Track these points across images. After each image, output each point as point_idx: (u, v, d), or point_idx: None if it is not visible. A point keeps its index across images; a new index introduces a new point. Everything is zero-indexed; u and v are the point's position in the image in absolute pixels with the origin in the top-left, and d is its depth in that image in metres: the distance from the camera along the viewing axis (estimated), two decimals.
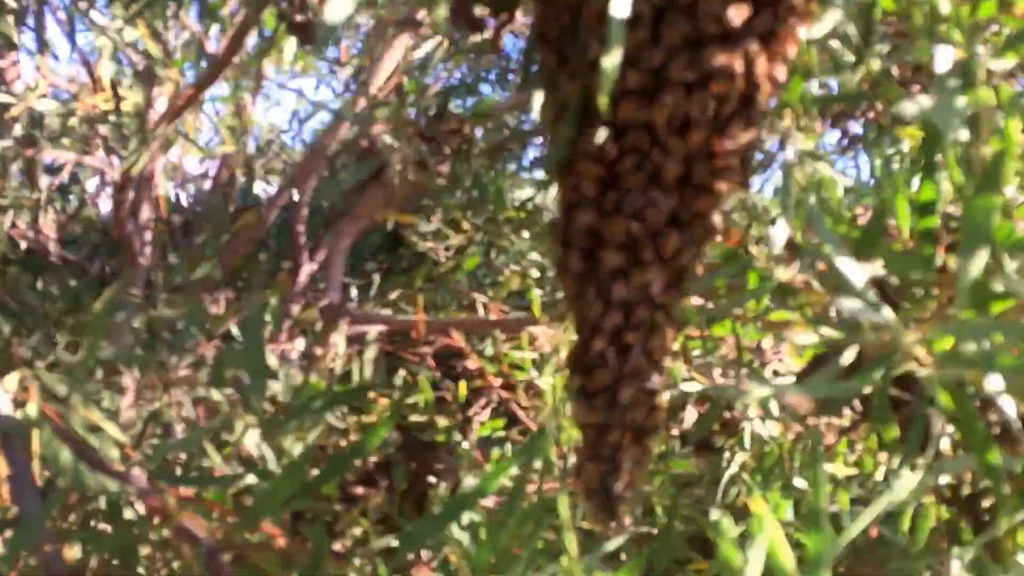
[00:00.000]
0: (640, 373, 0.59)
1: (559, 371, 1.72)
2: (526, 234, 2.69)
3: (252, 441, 0.83)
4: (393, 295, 2.42)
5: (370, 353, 1.03)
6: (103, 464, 0.67)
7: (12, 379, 0.83)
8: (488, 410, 1.77)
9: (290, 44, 1.78)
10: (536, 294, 1.51)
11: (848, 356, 0.60)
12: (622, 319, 0.60)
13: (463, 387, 1.61)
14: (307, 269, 2.27)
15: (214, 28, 1.47)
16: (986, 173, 0.51)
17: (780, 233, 0.62)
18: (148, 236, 2.23)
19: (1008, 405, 0.53)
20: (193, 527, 0.64)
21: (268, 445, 0.82)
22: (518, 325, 1.56)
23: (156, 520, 0.67)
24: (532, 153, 2.71)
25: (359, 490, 0.98)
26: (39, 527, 0.64)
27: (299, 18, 0.92)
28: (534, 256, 2.66)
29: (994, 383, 0.53)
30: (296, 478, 0.50)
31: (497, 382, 1.82)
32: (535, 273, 2.62)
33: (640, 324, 0.58)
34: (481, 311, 1.76)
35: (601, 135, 0.56)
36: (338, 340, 1.33)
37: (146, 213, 2.21)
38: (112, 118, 1.93)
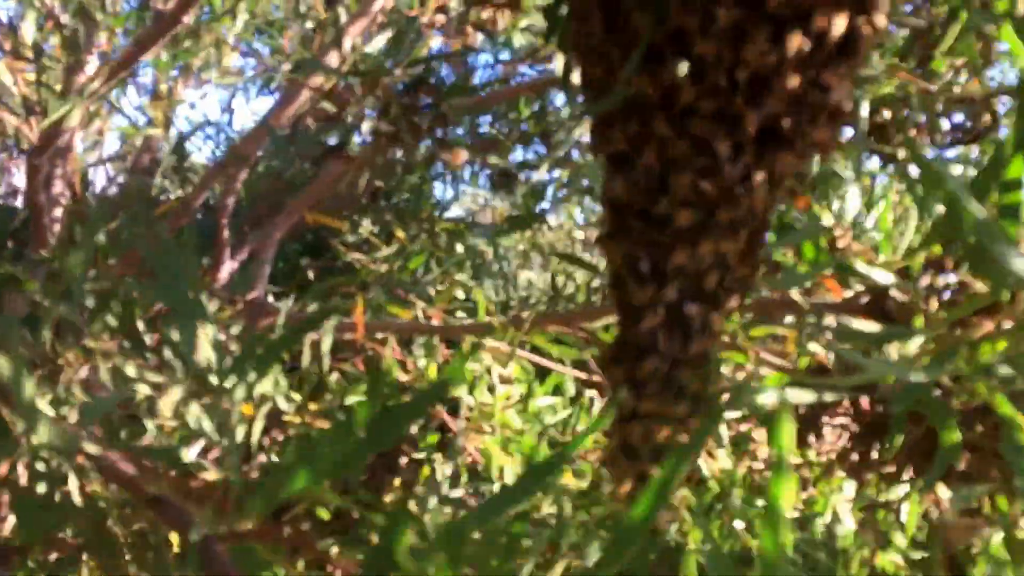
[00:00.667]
0: (700, 357, 0.51)
1: (499, 386, 1.64)
2: (460, 248, 2.61)
3: (193, 414, 0.72)
4: (316, 303, 2.30)
5: (327, 337, 0.93)
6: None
7: None
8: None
9: (241, 15, 1.67)
10: (483, 297, 1.42)
11: (913, 346, 0.54)
12: (678, 294, 0.51)
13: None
14: (228, 267, 2.13)
15: None
16: None
17: (854, 198, 0.55)
18: (57, 212, 2.07)
19: None
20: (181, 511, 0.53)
21: (210, 418, 0.71)
22: (464, 331, 1.47)
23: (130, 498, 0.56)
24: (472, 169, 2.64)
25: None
26: None
27: None
28: (463, 276, 2.58)
29: None
30: (315, 463, 0.39)
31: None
32: (460, 294, 2.54)
33: (706, 298, 0.50)
34: (421, 316, 1.66)
35: (682, 69, 0.48)
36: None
37: (58, 187, 2.05)
38: (27, 90, 1.78)
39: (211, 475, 0.70)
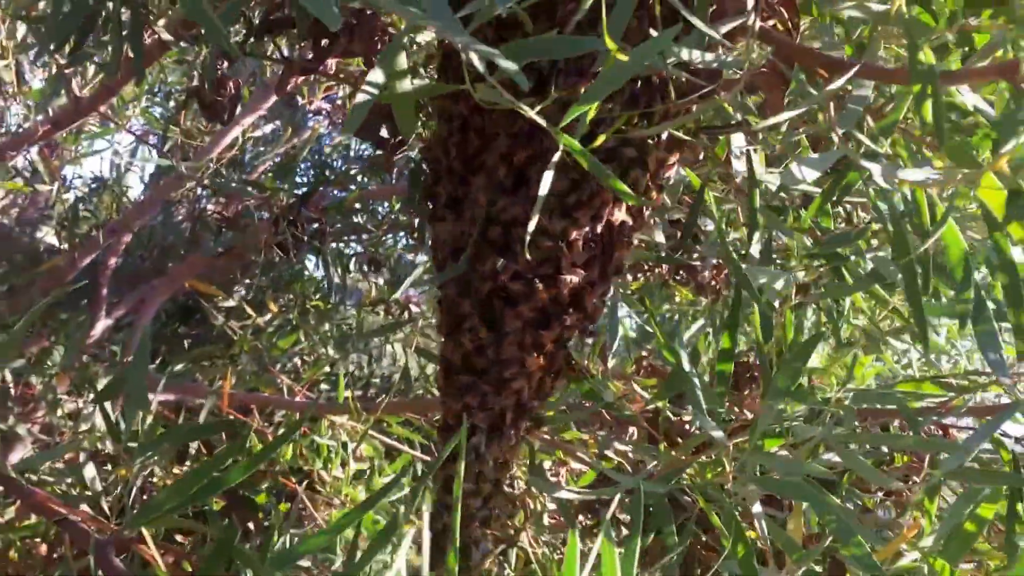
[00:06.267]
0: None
1: (352, 463, 1.79)
2: (327, 326, 2.76)
3: (89, 474, 0.88)
4: (181, 366, 2.40)
5: (208, 404, 1.09)
6: None
7: None
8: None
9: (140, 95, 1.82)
10: (345, 375, 1.59)
11: (651, 467, 0.74)
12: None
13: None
14: (103, 324, 2.22)
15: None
16: (800, 346, 0.66)
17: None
18: None
19: (762, 524, 0.68)
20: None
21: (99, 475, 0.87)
22: (322, 410, 1.62)
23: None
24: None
25: (179, 537, 1.01)
26: None
27: (213, 97, 1.00)
28: (329, 350, 2.72)
29: (756, 506, 0.68)
30: (181, 493, 0.57)
31: (278, 467, 1.86)
32: (327, 368, 2.68)
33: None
34: (285, 392, 1.81)
35: (499, 263, 0.70)
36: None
37: None
38: None
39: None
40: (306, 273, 2.78)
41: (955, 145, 0.62)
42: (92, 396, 1.92)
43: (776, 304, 0.80)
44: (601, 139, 0.65)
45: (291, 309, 2.64)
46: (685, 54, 0.62)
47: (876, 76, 0.66)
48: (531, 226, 0.62)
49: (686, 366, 0.67)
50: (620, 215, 0.72)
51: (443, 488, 0.76)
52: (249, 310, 2.48)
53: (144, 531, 0.60)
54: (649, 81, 0.71)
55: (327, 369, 2.64)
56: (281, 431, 1.86)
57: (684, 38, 0.63)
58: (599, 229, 0.73)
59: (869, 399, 0.74)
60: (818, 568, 0.87)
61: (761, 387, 0.68)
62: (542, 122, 0.57)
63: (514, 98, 0.63)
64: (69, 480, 0.95)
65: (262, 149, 2.40)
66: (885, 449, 0.91)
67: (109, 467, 0.95)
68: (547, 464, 1.69)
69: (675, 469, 0.72)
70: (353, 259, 2.57)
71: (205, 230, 1.81)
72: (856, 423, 0.85)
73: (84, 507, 0.75)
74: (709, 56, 0.63)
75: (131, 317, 2.29)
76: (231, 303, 2.54)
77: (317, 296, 2.75)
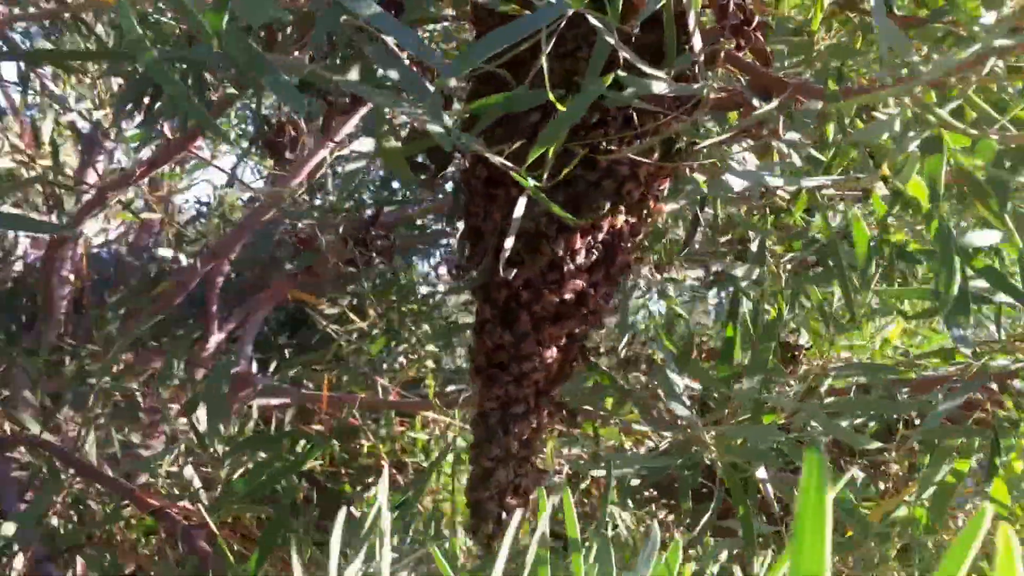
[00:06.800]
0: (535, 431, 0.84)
1: (447, 453, 1.92)
2: (426, 327, 2.90)
3: (187, 473, 1.01)
4: (293, 372, 2.57)
5: (289, 412, 1.22)
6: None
7: None
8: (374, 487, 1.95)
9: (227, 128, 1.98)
10: (432, 381, 1.71)
11: (663, 447, 0.83)
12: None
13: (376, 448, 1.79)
14: (216, 338, 2.40)
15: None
16: (767, 326, 0.74)
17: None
18: (65, 290, 2.34)
19: (768, 487, 0.76)
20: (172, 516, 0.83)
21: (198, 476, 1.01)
22: (414, 407, 1.75)
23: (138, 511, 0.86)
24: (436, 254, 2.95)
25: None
26: (30, 522, 0.81)
27: (276, 139, 1.13)
28: (430, 347, 2.86)
29: (760, 471, 0.76)
30: (253, 481, 0.69)
31: (385, 461, 2.00)
32: (430, 363, 2.82)
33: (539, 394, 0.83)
34: (381, 392, 1.95)
35: (510, 271, 0.80)
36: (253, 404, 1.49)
37: (67, 268, 2.33)
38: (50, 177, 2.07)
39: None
40: (403, 277, 2.92)
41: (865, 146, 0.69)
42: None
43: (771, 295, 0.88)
44: (566, 170, 0.75)
45: (388, 313, 2.79)
46: (655, 87, 0.71)
47: (809, 95, 0.74)
48: (508, 244, 0.73)
49: (668, 351, 0.76)
50: (620, 221, 0.82)
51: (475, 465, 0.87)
52: (352, 316, 2.63)
53: (204, 513, 0.72)
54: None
55: (431, 365, 2.79)
56: (380, 430, 2.00)
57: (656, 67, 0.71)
58: (600, 237, 0.83)
59: (847, 372, 0.82)
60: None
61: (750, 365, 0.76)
62: (504, 162, 0.67)
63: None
64: (179, 481, 1.10)
65: (353, 168, 2.55)
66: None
67: (210, 468, 1.09)
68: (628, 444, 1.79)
69: (683, 445, 0.80)
70: (443, 264, 2.70)
71: (286, 251, 1.96)
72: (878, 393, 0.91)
73: (185, 503, 0.89)
74: (675, 86, 0.71)
75: (241, 331, 2.47)
76: (334, 310, 2.70)
77: (412, 300, 2.90)
